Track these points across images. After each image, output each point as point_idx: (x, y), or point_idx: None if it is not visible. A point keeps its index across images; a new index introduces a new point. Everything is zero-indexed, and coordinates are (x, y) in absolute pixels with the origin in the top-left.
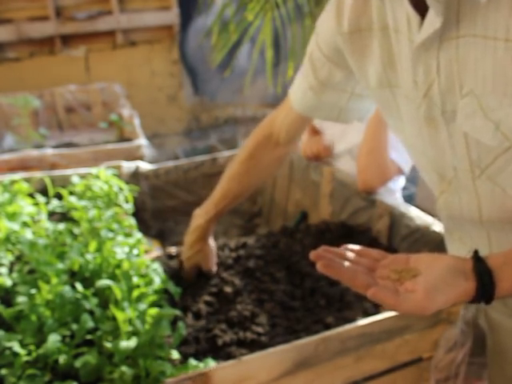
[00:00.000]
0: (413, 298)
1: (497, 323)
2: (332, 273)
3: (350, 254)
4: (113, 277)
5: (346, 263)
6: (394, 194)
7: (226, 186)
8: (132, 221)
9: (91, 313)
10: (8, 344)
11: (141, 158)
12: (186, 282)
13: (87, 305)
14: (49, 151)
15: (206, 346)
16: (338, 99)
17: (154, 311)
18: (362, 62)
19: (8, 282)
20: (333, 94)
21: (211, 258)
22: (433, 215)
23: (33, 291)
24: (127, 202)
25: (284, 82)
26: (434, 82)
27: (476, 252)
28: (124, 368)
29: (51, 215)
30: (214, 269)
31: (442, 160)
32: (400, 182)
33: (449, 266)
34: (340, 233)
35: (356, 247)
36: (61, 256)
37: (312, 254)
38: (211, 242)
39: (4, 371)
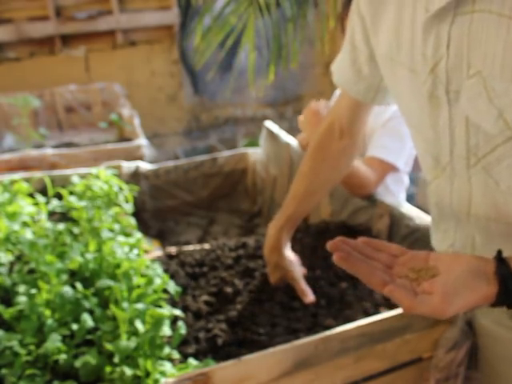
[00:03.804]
0: (430, 301)
1: (485, 331)
2: (348, 267)
3: (368, 249)
4: (113, 277)
5: (363, 258)
6: (394, 195)
7: (293, 187)
8: (132, 221)
9: (91, 313)
10: (8, 344)
11: (141, 158)
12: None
13: (87, 305)
14: (49, 151)
15: (205, 346)
16: (372, 76)
17: (153, 311)
18: (376, 17)
19: (8, 282)
20: (367, 67)
21: (293, 273)
22: None
23: (33, 291)
24: (127, 201)
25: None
26: (442, 58)
27: (500, 252)
28: (124, 368)
29: (51, 215)
30: (302, 284)
31: (439, 144)
32: (405, 182)
33: (470, 268)
34: (340, 233)
35: (374, 241)
36: (61, 256)
37: (329, 244)
38: (289, 254)
39: (4, 371)
